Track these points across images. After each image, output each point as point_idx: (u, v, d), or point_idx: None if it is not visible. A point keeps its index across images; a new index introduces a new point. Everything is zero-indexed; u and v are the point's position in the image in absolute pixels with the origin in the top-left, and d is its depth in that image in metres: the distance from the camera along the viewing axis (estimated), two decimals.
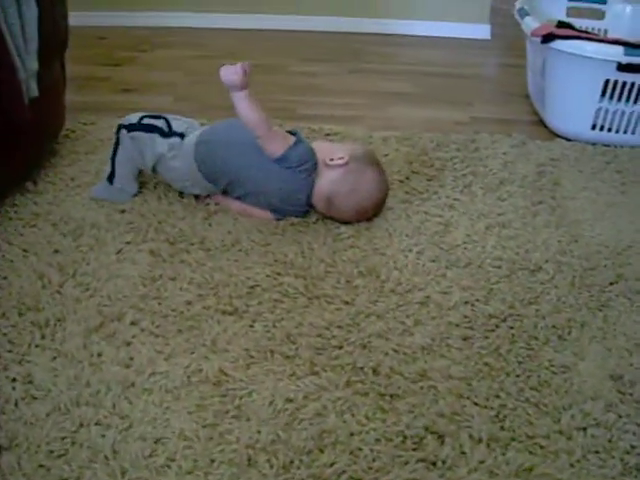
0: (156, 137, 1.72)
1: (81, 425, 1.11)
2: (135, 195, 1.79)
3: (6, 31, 1.54)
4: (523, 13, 2.45)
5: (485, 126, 2.39)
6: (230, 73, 1.58)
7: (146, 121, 1.76)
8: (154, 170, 1.76)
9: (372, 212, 1.70)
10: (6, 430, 1.10)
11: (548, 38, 2.17)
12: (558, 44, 2.15)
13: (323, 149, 1.70)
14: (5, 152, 1.66)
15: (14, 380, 1.20)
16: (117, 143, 1.78)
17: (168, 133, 1.75)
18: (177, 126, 1.77)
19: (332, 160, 1.65)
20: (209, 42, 3.47)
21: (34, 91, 1.67)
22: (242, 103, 1.61)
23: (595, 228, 1.71)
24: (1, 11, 1.52)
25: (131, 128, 1.75)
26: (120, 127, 1.78)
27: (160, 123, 1.76)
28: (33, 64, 1.66)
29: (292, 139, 1.66)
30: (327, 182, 1.65)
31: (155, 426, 1.11)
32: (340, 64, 3.12)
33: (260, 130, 1.62)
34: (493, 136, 2.23)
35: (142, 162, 1.75)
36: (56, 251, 1.57)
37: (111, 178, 1.77)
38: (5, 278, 1.47)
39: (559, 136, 2.29)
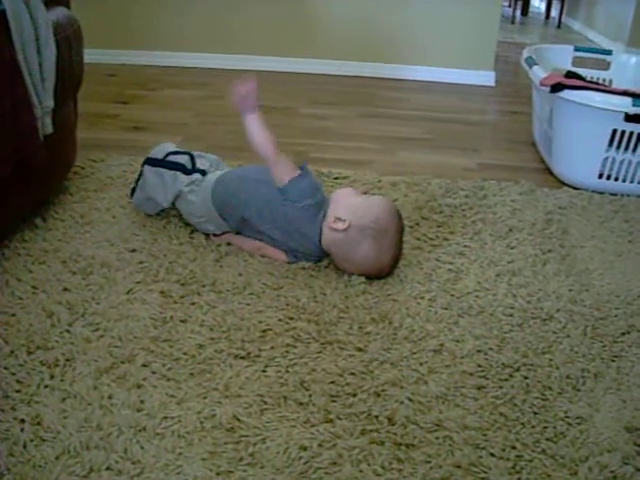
0: (179, 174, 1.76)
1: (91, 470, 1.09)
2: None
3: (25, 69, 1.54)
4: (531, 62, 2.48)
5: (492, 173, 2.40)
6: (242, 98, 1.62)
7: (171, 158, 1.80)
8: (173, 204, 1.79)
9: (374, 276, 1.65)
10: (14, 473, 1.07)
11: (557, 88, 2.19)
12: (567, 94, 2.18)
13: (338, 200, 1.68)
14: (16, 187, 1.66)
15: (22, 421, 1.18)
16: (140, 175, 1.84)
17: (191, 170, 1.78)
18: (201, 163, 1.81)
19: (333, 222, 1.62)
20: (217, 82, 3.51)
21: (49, 128, 1.68)
22: (252, 125, 1.65)
23: (605, 277, 1.71)
24: (21, 49, 1.53)
25: (155, 163, 1.79)
26: (145, 161, 1.83)
27: (184, 160, 1.79)
28: (49, 101, 1.66)
29: (297, 172, 1.65)
30: (327, 238, 1.64)
31: (167, 472, 1.08)
32: (350, 108, 3.16)
33: (268, 150, 1.64)
34: (501, 183, 2.24)
35: (163, 196, 1.78)
36: (65, 289, 1.56)
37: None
38: (14, 315, 1.46)
39: (566, 184, 2.30)
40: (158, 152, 1.84)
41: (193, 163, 1.80)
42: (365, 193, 1.82)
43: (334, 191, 1.75)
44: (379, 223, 1.60)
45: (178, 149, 1.86)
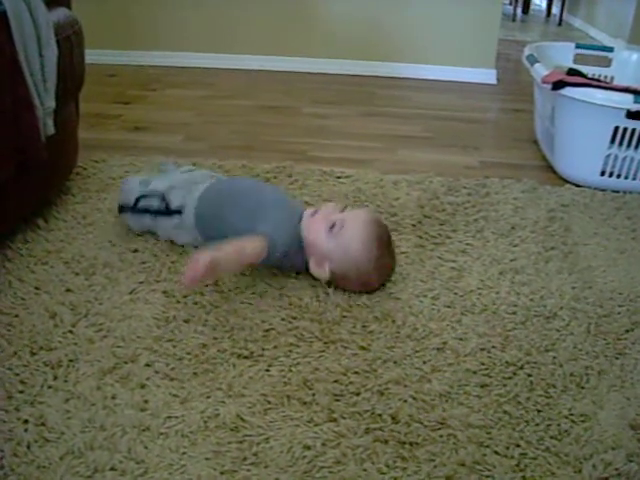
0: (158, 218, 1.72)
1: (96, 470, 1.08)
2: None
3: (26, 69, 1.54)
4: (532, 60, 2.48)
5: (494, 171, 2.40)
6: (193, 279, 1.39)
7: (142, 203, 1.73)
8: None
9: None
10: (18, 474, 1.07)
11: (559, 85, 2.19)
12: (569, 91, 2.17)
13: (311, 239, 1.57)
14: (18, 188, 1.66)
15: (26, 422, 1.17)
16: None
17: (167, 212, 1.70)
18: (175, 198, 1.70)
19: (316, 265, 1.56)
20: (219, 82, 3.51)
21: (51, 129, 1.67)
22: (222, 256, 1.44)
23: (608, 275, 1.71)
24: (22, 49, 1.52)
25: (132, 210, 1.75)
26: (121, 209, 1.78)
27: (157, 202, 1.71)
28: (51, 102, 1.66)
29: (263, 242, 1.50)
30: (314, 270, 1.58)
31: (172, 472, 1.08)
32: (351, 107, 3.16)
33: (238, 249, 1.47)
34: (503, 181, 2.24)
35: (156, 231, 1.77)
36: (68, 290, 1.55)
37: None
38: (16, 316, 1.45)
39: (568, 182, 2.30)
40: (127, 195, 1.76)
41: (166, 203, 1.70)
42: (343, 210, 1.80)
43: (305, 217, 1.61)
44: (359, 266, 1.52)
45: (144, 191, 1.74)
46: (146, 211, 1.72)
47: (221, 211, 1.64)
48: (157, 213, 1.71)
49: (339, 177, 2.22)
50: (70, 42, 1.80)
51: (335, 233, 1.53)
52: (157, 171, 2.00)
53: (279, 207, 1.62)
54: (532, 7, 7.73)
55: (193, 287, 1.52)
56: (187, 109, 3.02)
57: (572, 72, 2.39)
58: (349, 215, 1.58)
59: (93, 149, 2.33)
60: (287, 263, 1.61)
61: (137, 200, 1.73)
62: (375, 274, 1.56)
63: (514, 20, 6.84)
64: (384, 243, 1.57)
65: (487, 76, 3.76)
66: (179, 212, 1.69)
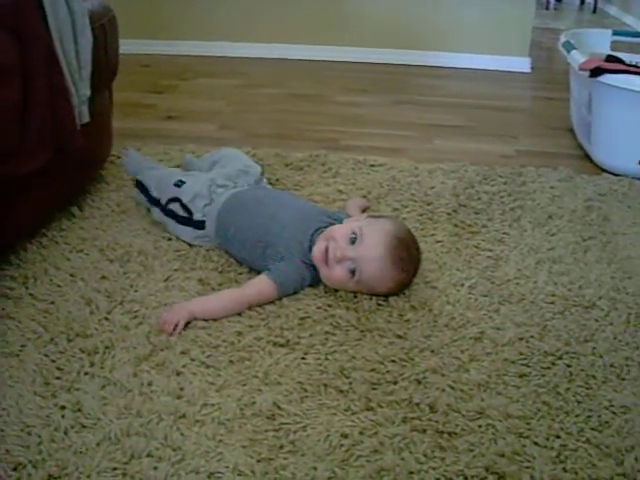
0: (178, 226, 1.71)
1: (132, 456, 1.08)
2: None
3: (62, 57, 1.54)
4: (569, 47, 2.44)
5: (530, 159, 2.37)
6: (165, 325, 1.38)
7: (171, 206, 1.72)
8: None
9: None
10: (56, 459, 1.08)
11: (596, 72, 2.15)
12: (607, 78, 2.14)
13: (335, 285, 1.51)
14: (54, 176, 1.66)
15: (63, 408, 1.18)
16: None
17: (190, 222, 1.69)
18: (197, 208, 1.68)
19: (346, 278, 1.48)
20: (250, 71, 3.51)
21: (86, 117, 1.68)
22: (207, 305, 1.44)
23: None
24: (58, 37, 1.53)
25: (162, 209, 1.74)
26: (149, 198, 1.80)
27: (181, 211, 1.70)
28: (86, 90, 1.66)
29: (273, 284, 1.48)
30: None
31: (208, 459, 1.08)
32: (383, 95, 3.14)
33: (233, 298, 1.45)
34: (539, 170, 2.21)
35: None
36: (103, 277, 1.56)
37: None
38: (52, 303, 1.46)
39: (605, 171, 2.26)
40: (160, 190, 1.76)
41: (189, 212, 1.68)
42: (364, 211, 1.79)
43: (317, 254, 1.49)
44: (385, 283, 1.47)
45: (176, 194, 1.71)
46: (172, 215, 1.71)
47: (238, 225, 1.61)
48: (182, 221, 1.70)
49: (373, 165, 2.20)
50: (104, 30, 1.80)
51: (357, 279, 1.45)
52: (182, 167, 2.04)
53: (291, 230, 1.56)
54: None
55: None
56: (219, 98, 3.02)
57: (611, 59, 2.35)
58: (363, 252, 1.44)
59: (127, 138, 2.34)
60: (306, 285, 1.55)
61: (169, 201, 1.72)
62: (407, 275, 1.50)
63: (547, 8, 6.76)
64: (406, 266, 1.48)
65: (521, 64, 3.72)
66: (202, 222, 1.67)
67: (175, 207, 1.70)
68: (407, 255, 1.47)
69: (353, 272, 1.45)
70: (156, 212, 1.76)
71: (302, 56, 3.76)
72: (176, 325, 1.37)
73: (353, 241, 1.45)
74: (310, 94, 3.13)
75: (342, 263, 1.45)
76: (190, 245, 1.69)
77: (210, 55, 3.75)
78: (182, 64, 3.58)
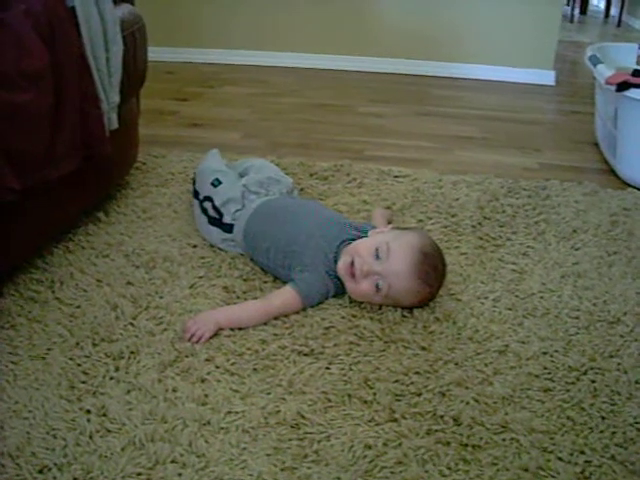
0: (210, 226, 1.74)
1: (157, 462, 1.09)
2: None
3: (93, 64, 1.56)
4: (595, 61, 2.43)
5: (554, 173, 2.36)
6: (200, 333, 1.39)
7: (205, 204, 1.76)
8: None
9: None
10: (81, 463, 1.08)
11: (623, 86, 2.15)
12: (634, 93, 2.12)
13: (361, 299, 1.51)
14: (82, 182, 1.68)
15: (88, 412, 1.19)
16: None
17: (220, 223, 1.71)
18: (228, 212, 1.70)
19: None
20: (272, 80, 3.53)
21: (115, 123, 1.70)
22: (234, 314, 1.45)
23: None
24: (90, 44, 1.54)
25: (199, 202, 1.79)
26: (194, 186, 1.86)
27: (212, 212, 1.73)
28: (115, 97, 1.68)
29: (298, 296, 1.48)
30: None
31: (232, 467, 1.08)
32: (406, 106, 3.14)
33: (259, 309, 1.46)
34: (563, 184, 2.20)
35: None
36: (129, 283, 1.57)
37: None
38: (78, 307, 1.48)
39: (630, 185, 2.25)
40: (201, 182, 1.82)
41: (220, 214, 1.71)
42: (389, 222, 1.80)
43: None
44: (410, 297, 1.47)
45: (211, 193, 1.75)
46: (205, 213, 1.74)
47: (265, 232, 1.62)
48: (212, 221, 1.72)
49: (397, 176, 2.20)
50: (134, 38, 1.82)
51: (383, 293, 1.45)
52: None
53: (317, 240, 1.56)
54: (590, 8, 7.62)
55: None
56: (242, 106, 3.04)
57: (637, 73, 2.34)
58: (389, 267, 1.44)
59: (151, 145, 2.36)
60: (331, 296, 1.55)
61: (204, 198, 1.76)
62: (432, 291, 1.50)
63: (572, 21, 6.75)
64: (431, 281, 1.48)
65: (545, 77, 3.71)
66: (230, 226, 1.69)
67: (208, 206, 1.74)
68: (433, 270, 1.47)
69: (378, 286, 1.45)
70: (196, 205, 1.80)
71: (324, 65, 3.78)
72: (201, 337, 1.38)
73: (378, 255, 1.45)
74: (333, 104, 3.14)
75: (368, 278, 1.45)
76: (215, 252, 1.70)
77: (235, 63, 3.78)
78: (205, 72, 3.61)
